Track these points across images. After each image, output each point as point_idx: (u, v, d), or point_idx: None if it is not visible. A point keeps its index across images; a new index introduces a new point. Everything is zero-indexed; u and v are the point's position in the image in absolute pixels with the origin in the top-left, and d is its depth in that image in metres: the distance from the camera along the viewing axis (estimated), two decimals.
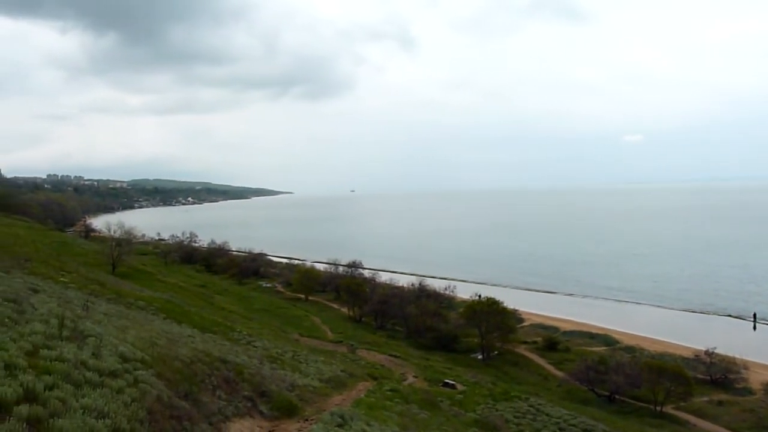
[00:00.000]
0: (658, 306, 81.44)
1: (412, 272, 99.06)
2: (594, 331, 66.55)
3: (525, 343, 61.70)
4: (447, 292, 77.86)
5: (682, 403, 43.46)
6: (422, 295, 74.35)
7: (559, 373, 52.11)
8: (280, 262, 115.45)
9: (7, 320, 9.99)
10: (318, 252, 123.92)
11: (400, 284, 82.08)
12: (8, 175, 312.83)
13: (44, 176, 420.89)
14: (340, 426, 12.89)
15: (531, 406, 31.99)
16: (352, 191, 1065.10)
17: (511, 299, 66.48)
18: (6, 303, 11.59)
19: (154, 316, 27.44)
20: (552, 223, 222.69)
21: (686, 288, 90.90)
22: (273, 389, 15.62)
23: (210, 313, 41.93)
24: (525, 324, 69.82)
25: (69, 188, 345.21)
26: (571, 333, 65.84)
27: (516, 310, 66.28)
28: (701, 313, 76.78)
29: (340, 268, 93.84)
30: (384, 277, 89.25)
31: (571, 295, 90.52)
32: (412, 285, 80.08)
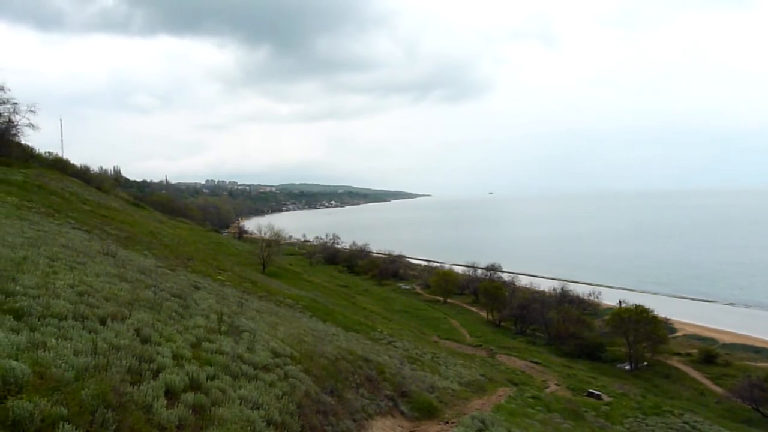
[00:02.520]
0: None
1: (554, 277, 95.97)
2: (759, 345, 61.01)
3: (678, 354, 57.93)
4: (591, 298, 74.89)
5: None
6: (564, 300, 72.02)
7: (718, 389, 48.27)
8: (419, 264, 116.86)
9: (174, 314, 10.97)
10: (456, 254, 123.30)
11: (541, 289, 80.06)
12: (173, 181, 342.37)
13: (203, 182, 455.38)
14: (480, 431, 12.76)
15: (686, 422, 29.81)
16: (491, 193, 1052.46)
17: (661, 307, 62.74)
18: (173, 298, 12.73)
19: (301, 313, 28.82)
20: (707, 226, 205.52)
21: None
22: (413, 390, 15.79)
23: (352, 313, 43.31)
24: (678, 334, 65.50)
25: (224, 192, 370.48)
26: (732, 346, 60.84)
27: (667, 319, 62.49)
28: None
29: (479, 271, 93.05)
30: (524, 281, 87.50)
31: (731, 304, 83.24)
32: (554, 290, 77.86)
